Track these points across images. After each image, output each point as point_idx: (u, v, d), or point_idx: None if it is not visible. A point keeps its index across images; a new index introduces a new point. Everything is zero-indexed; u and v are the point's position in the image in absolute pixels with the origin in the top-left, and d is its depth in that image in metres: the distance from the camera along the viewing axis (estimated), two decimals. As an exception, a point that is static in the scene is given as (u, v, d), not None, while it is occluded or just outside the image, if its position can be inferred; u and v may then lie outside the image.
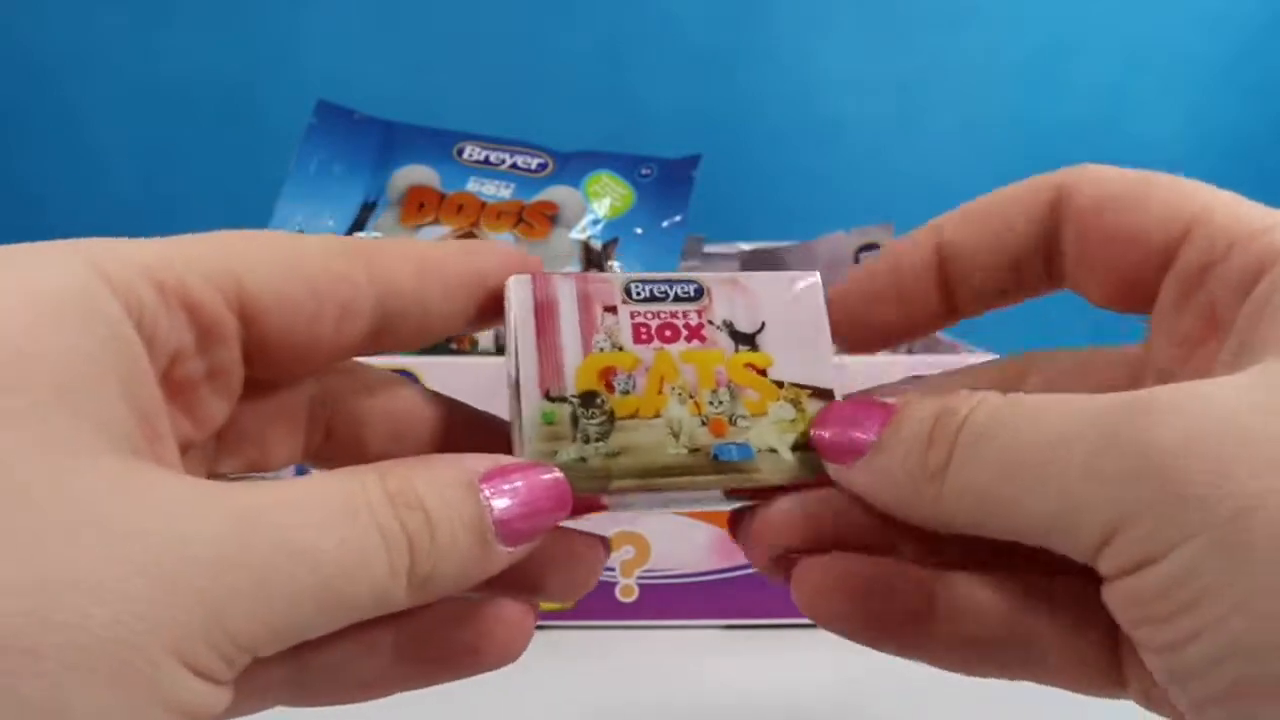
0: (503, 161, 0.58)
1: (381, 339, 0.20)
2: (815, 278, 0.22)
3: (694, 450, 0.20)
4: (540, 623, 0.48)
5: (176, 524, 0.14)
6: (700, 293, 0.21)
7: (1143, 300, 0.20)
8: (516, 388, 0.20)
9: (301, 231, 0.55)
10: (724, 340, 0.21)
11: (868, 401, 0.19)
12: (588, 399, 0.20)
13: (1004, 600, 0.20)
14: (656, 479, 0.20)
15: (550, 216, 0.56)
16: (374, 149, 0.58)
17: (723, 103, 0.81)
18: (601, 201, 0.57)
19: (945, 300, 0.22)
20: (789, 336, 0.21)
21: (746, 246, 0.63)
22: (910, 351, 0.55)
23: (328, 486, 0.16)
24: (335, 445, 0.21)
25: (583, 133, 0.65)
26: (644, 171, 0.58)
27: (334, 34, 0.80)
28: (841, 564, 0.21)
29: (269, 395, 0.20)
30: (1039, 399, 0.17)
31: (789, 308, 0.21)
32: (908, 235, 0.22)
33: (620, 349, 0.21)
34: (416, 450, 0.21)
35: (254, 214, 0.55)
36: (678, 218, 0.57)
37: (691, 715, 0.39)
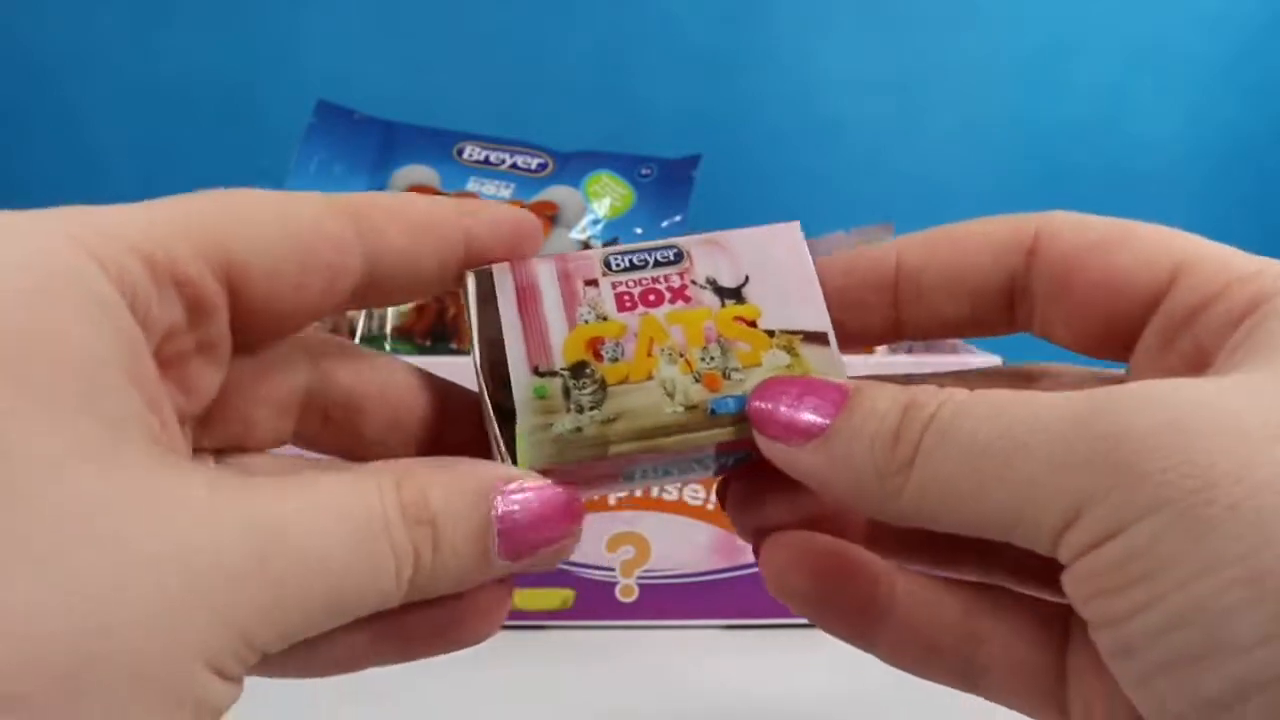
0: (503, 161, 0.58)
1: (369, 297, 0.20)
2: (795, 225, 0.21)
3: (690, 407, 0.20)
4: (540, 623, 0.48)
5: (203, 538, 0.14)
6: (680, 256, 0.21)
7: (1119, 344, 0.20)
8: (480, 373, 0.20)
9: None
10: (709, 298, 0.21)
11: (816, 381, 0.19)
12: (577, 370, 0.20)
13: (958, 601, 0.20)
14: (655, 439, 0.20)
15: (550, 216, 0.56)
16: (374, 149, 0.58)
17: (723, 103, 0.80)
18: (601, 201, 0.57)
19: (894, 316, 0.22)
20: (775, 285, 0.21)
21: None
22: (910, 350, 0.55)
23: (345, 498, 0.16)
24: (332, 431, 0.21)
25: (583, 133, 0.65)
26: (644, 171, 0.59)
27: (334, 34, 0.80)
28: (807, 542, 0.21)
29: (263, 380, 0.20)
30: (1007, 394, 0.17)
31: (772, 257, 0.21)
32: (875, 245, 0.22)
33: (605, 318, 0.21)
34: (414, 436, 0.21)
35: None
36: (678, 218, 0.57)
37: (691, 715, 0.39)
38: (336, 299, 0.19)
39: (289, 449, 0.21)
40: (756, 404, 0.19)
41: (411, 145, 0.58)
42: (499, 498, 0.18)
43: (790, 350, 0.20)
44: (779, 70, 0.80)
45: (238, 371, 0.19)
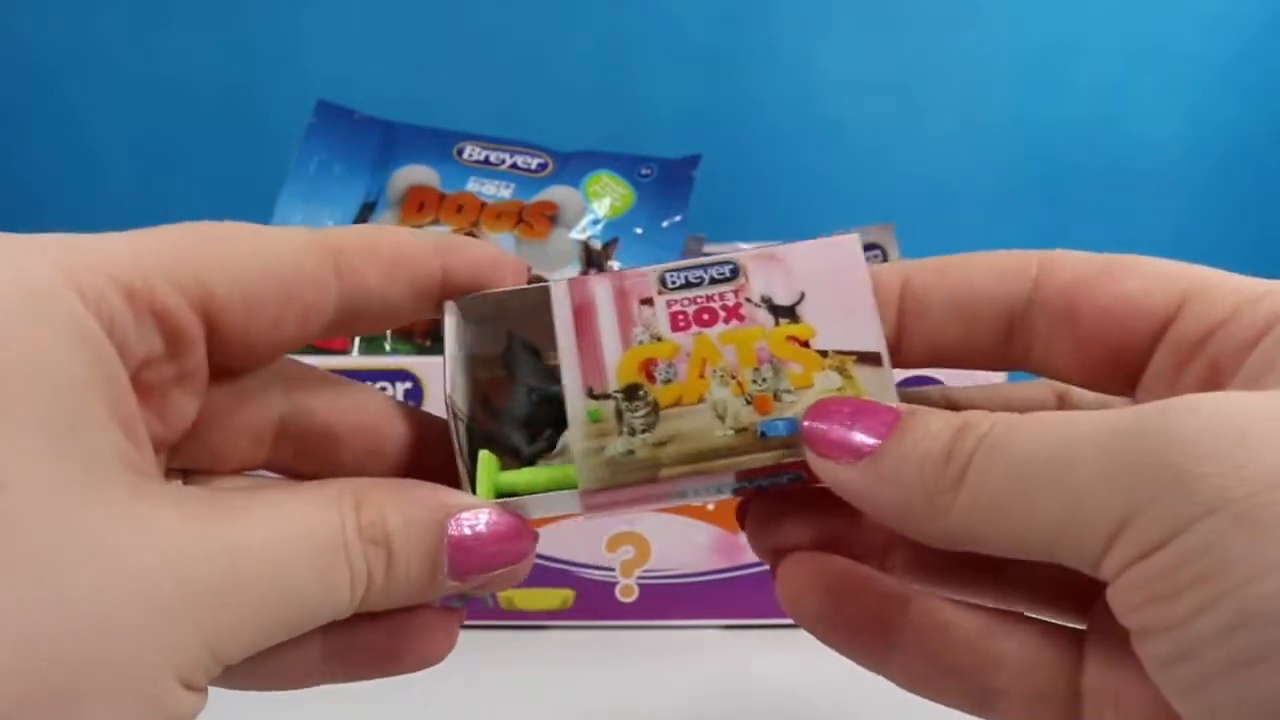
0: (503, 161, 0.58)
1: (344, 328, 0.20)
2: (853, 237, 0.21)
3: (740, 430, 0.20)
4: (540, 623, 0.48)
5: (181, 563, 0.15)
6: (736, 272, 0.21)
7: (1123, 376, 0.20)
8: (449, 401, 0.20)
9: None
10: (763, 316, 0.21)
11: (869, 403, 0.19)
12: (630, 392, 0.20)
13: (973, 623, 0.20)
14: (706, 463, 0.20)
15: (550, 216, 0.56)
16: (374, 149, 0.58)
17: (723, 103, 0.80)
18: (601, 201, 0.57)
19: (894, 340, 0.22)
20: (830, 303, 0.21)
21: (746, 246, 0.63)
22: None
23: (308, 519, 0.17)
24: (307, 460, 0.21)
25: (583, 133, 0.65)
26: (644, 171, 0.58)
27: (334, 34, 0.80)
28: (821, 563, 0.21)
29: (238, 409, 0.20)
30: (1057, 414, 0.17)
31: (828, 273, 0.21)
32: (884, 265, 0.22)
33: (659, 339, 0.21)
34: (391, 465, 0.22)
35: (254, 214, 0.54)
36: (678, 218, 0.57)
37: (691, 715, 0.39)
38: (312, 332, 0.19)
39: (261, 474, 0.21)
40: (809, 424, 0.19)
41: (411, 145, 0.58)
42: (453, 523, 0.18)
43: (843, 371, 0.20)
44: (779, 70, 0.80)
45: (213, 400, 0.20)
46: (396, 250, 0.20)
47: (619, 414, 0.20)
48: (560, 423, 0.21)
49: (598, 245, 0.55)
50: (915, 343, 0.21)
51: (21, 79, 0.80)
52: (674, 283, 0.21)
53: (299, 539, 0.17)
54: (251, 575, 0.16)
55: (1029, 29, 0.80)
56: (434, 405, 0.23)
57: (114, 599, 0.15)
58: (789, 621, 0.44)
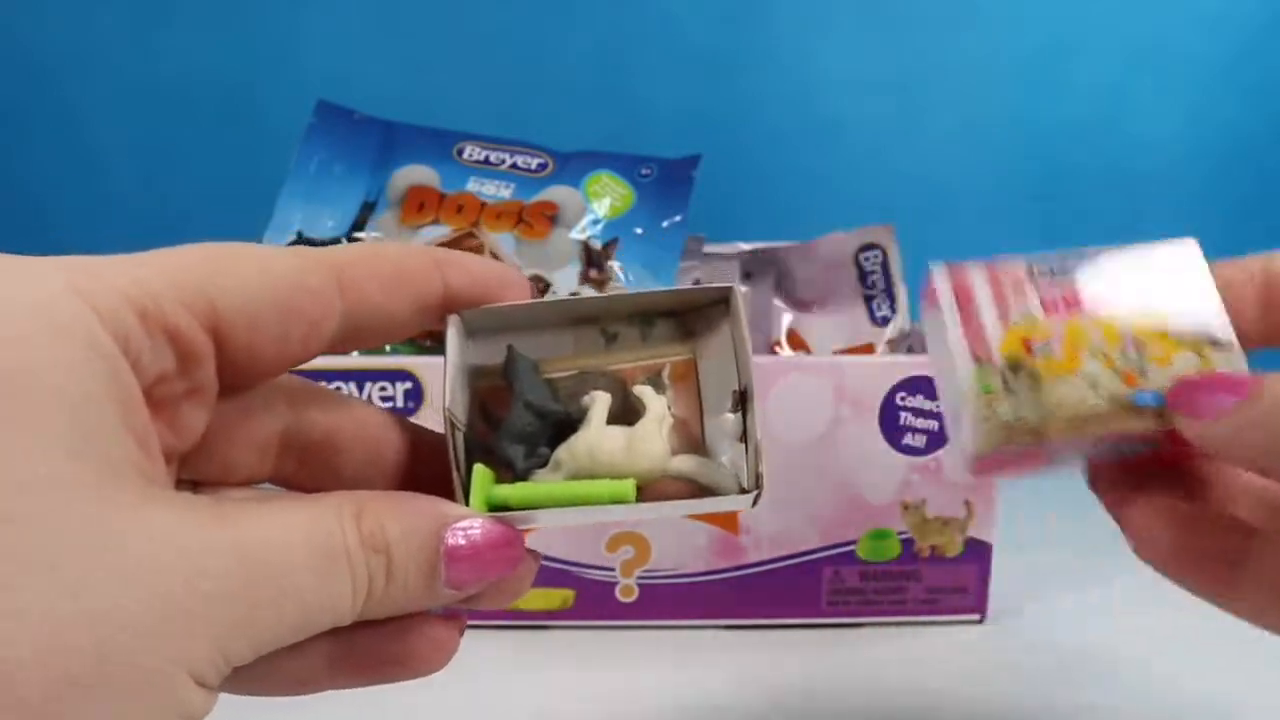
0: (503, 161, 0.58)
1: (348, 343, 0.21)
2: (1193, 240, 0.24)
3: (1112, 399, 0.23)
4: (540, 623, 0.48)
5: (192, 563, 0.16)
6: (1092, 264, 0.24)
7: None
8: (448, 413, 0.21)
9: (300, 233, 0.55)
10: (1122, 304, 0.24)
11: (1231, 374, 0.22)
12: (1014, 365, 0.23)
13: None
14: (1086, 428, 0.23)
15: (550, 216, 0.56)
16: (374, 149, 0.58)
17: (723, 103, 0.80)
18: (601, 201, 0.57)
19: (1263, 319, 0.24)
20: (1180, 296, 0.24)
21: (746, 246, 0.63)
22: (910, 350, 0.55)
23: (312, 527, 0.18)
24: (307, 472, 0.22)
25: (583, 133, 0.65)
26: (644, 171, 0.58)
27: (334, 34, 0.80)
28: (1167, 503, 0.24)
29: (244, 423, 0.21)
30: None
31: (1173, 271, 0.24)
32: (1245, 257, 0.24)
33: (1034, 320, 0.24)
34: (388, 474, 0.23)
35: (254, 214, 0.55)
36: (678, 218, 0.57)
37: (692, 715, 0.39)
38: (316, 348, 0.20)
39: (266, 488, 0.22)
40: (1177, 389, 0.22)
41: (411, 145, 0.58)
42: (448, 532, 0.19)
43: (1199, 353, 0.23)
44: (779, 70, 0.80)
45: (221, 413, 0.20)
46: (398, 266, 0.20)
47: (1005, 384, 0.23)
48: (556, 439, 0.21)
49: (598, 245, 0.55)
50: (1271, 326, 0.24)
51: (21, 79, 0.80)
52: (1040, 272, 0.24)
53: (302, 545, 0.17)
54: (257, 577, 0.17)
55: (1029, 29, 0.80)
56: (434, 405, 0.23)
57: (128, 596, 0.15)
58: (788, 622, 0.44)
